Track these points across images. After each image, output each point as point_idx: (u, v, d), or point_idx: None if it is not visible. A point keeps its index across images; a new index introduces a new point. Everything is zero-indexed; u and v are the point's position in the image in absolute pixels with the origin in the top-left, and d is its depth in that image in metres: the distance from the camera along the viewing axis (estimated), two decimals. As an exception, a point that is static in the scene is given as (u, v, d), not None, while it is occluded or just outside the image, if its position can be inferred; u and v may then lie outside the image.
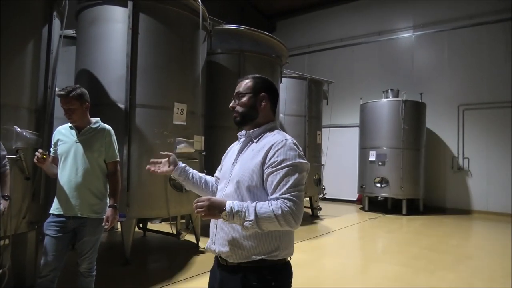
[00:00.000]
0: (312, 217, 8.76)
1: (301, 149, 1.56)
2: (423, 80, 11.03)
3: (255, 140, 1.62)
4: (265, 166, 1.50)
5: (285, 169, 1.46)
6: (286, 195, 1.42)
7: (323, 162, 9.16)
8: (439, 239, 6.71)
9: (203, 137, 5.01)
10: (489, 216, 9.62)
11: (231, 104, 1.69)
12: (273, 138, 1.57)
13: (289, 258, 1.59)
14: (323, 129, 9.31)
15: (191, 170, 1.89)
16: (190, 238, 5.36)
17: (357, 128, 10.98)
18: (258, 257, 1.48)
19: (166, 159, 1.84)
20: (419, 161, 9.86)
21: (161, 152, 1.91)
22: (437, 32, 10.96)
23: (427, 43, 11.19)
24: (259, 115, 1.66)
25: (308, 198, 8.94)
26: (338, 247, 6.11)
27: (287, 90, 8.11)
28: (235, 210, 1.40)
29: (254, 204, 1.43)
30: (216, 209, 1.41)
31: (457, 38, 10.62)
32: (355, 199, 11.68)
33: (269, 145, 1.53)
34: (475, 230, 8.31)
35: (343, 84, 11.94)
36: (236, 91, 1.70)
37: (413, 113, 9.84)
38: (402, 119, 9.63)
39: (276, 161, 1.48)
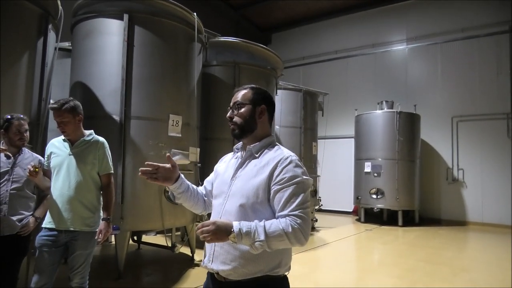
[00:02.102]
0: (308, 229, 8.70)
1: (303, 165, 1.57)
2: (417, 92, 11.15)
3: (256, 155, 1.59)
4: (272, 183, 1.48)
5: (292, 186, 1.45)
6: (295, 212, 1.41)
7: (318, 174, 9.16)
8: (435, 250, 6.68)
9: (198, 149, 5.00)
10: (484, 228, 9.62)
11: (228, 114, 1.64)
12: (277, 154, 1.55)
13: (287, 273, 1.57)
14: (318, 141, 9.34)
15: (187, 184, 1.77)
16: (185, 250, 5.30)
17: (352, 139, 11.03)
18: (259, 274, 1.46)
19: (167, 166, 1.64)
20: (414, 172, 9.90)
21: (168, 154, 1.69)
22: (430, 45, 11.13)
23: (420, 56, 11.34)
24: (258, 127, 1.62)
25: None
26: (334, 259, 6.07)
27: (283, 102, 8.15)
28: (244, 231, 1.36)
29: (262, 223, 1.39)
30: (223, 232, 1.35)
31: (450, 51, 10.78)
32: (351, 210, 11.66)
33: (274, 161, 1.52)
34: (471, 242, 8.30)
35: (338, 95, 12.03)
36: (233, 101, 1.65)
37: (408, 125, 9.91)
38: (397, 130, 9.70)
39: (284, 178, 1.47)
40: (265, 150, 1.60)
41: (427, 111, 10.72)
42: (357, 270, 5.54)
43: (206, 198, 1.82)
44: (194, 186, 1.81)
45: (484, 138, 10.10)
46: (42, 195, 2.85)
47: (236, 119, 1.61)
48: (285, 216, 1.42)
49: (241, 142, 1.69)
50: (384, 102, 10.49)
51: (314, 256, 6.07)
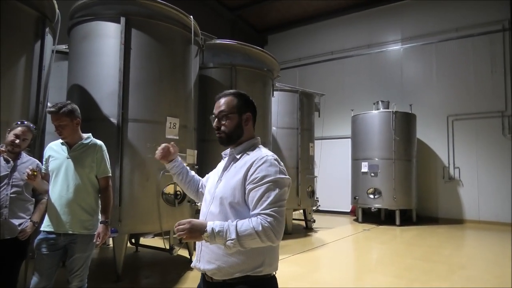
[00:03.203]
0: (306, 230, 8.74)
1: (282, 164, 1.58)
2: (413, 92, 11.22)
3: (237, 157, 1.64)
4: (247, 183, 1.51)
5: (266, 185, 1.47)
6: (267, 211, 1.43)
7: (316, 174, 9.19)
8: (432, 249, 6.72)
9: (195, 151, 5.01)
10: (481, 225, 9.69)
11: (214, 124, 1.67)
12: (254, 154, 1.58)
13: (274, 273, 1.59)
14: (315, 141, 9.36)
15: (182, 165, 1.98)
16: (183, 253, 5.30)
17: (349, 140, 11.06)
18: (242, 274, 1.49)
19: (171, 149, 1.94)
20: (410, 171, 9.95)
21: (172, 143, 2.00)
22: (424, 45, 11.21)
23: (415, 56, 11.42)
24: (244, 134, 1.67)
25: (302, 211, 8.94)
26: (332, 260, 6.09)
27: (279, 103, 8.17)
28: (216, 231, 1.40)
29: (234, 222, 1.43)
30: (197, 231, 1.41)
31: (445, 50, 10.86)
32: (348, 211, 11.69)
33: (250, 161, 1.55)
34: (468, 240, 8.35)
35: (334, 96, 12.08)
36: (218, 109, 1.67)
37: (404, 124, 9.97)
38: (393, 130, 9.75)
39: (257, 177, 1.49)
40: (247, 152, 1.64)
41: (423, 110, 10.78)
42: (356, 270, 5.57)
43: (200, 189, 1.93)
44: (192, 174, 1.99)
45: (479, 136, 10.18)
46: (37, 198, 2.86)
47: (223, 128, 1.64)
48: (256, 215, 1.44)
49: (228, 149, 1.74)
50: (380, 102, 10.55)
51: (312, 257, 6.09)
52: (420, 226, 9.56)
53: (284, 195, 1.49)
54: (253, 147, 1.65)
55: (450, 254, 6.37)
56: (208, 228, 1.41)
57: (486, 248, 7.10)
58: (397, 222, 9.54)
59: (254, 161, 1.53)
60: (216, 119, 1.67)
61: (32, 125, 2.83)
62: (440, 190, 10.67)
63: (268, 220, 1.41)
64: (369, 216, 10.33)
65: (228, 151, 1.74)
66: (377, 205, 9.78)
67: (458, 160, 10.47)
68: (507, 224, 9.36)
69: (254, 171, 1.50)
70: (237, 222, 1.43)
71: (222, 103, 1.67)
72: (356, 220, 10.41)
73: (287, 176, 1.54)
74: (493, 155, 9.92)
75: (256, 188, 1.48)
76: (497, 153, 9.86)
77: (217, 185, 1.64)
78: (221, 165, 1.80)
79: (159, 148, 1.92)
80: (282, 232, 1.46)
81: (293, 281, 4.54)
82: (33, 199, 2.82)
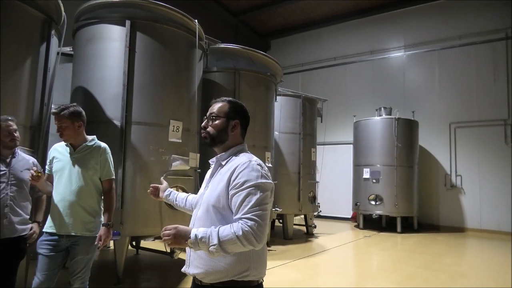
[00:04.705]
0: (307, 235, 8.71)
1: (266, 169, 1.59)
2: (415, 99, 11.22)
3: (223, 163, 1.66)
4: (230, 188, 1.54)
5: (247, 189, 1.49)
6: (248, 215, 1.45)
7: (317, 180, 9.18)
8: (434, 257, 6.69)
9: (198, 155, 5.02)
10: (483, 234, 9.63)
11: (203, 124, 1.73)
12: (238, 160, 1.60)
13: (261, 280, 1.61)
14: (317, 147, 9.36)
15: (175, 195, 2.17)
16: (184, 256, 5.29)
17: (351, 146, 11.06)
18: (228, 278, 1.51)
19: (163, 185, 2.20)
20: (412, 178, 9.93)
21: (161, 178, 2.32)
22: (427, 52, 11.23)
23: (418, 62, 11.44)
24: (229, 139, 1.70)
25: (303, 216, 8.92)
26: (333, 266, 6.06)
27: (282, 108, 8.19)
28: (199, 237, 1.43)
29: (217, 228, 1.45)
30: (182, 237, 1.44)
31: (447, 57, 10.88)
32: (349, 217, 11.66)
33: (233, 167, 1.57)
34: (469, 248, 8.30)
35: (337, 102, 12.10)
36: (210, 111, 1.73)
37: (406, 131, 9.96)
38: (395, 136, 9.74)
39: (238, 182, 1.51)
40: (232, 158, 1.66)
41: (425, 117, 10.78)
42: (356, 277, 5.53)
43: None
44: (184, 197, 2.13)
45: (481, 144, 10.16)
46: (36, 196, 2.85)
47: (209, 129, 1.70)
48: (238, 219, 1.46)
49: (215, 156, 1.76)
50: (382, 109, 10.55)
51: (313, 263, 6.06)
52: (421, 233, 9.52)
53: (265, 199, 1.50)
54: (238, 153, 1.68)
55: (452, 263, 6.34)
56: (192, 235, 1.43)
57: (488, 257, 7.06)
58: (398, 229, 9.51)
59: (237, 166, 1.56)
60: (206, 120, 1.73)
61: (8, 116, 2.69)
62: (441, 197, 10.64)
63: (249, 224, 1.43)
64: (370, 223, 10.30)
65: (215, 158, 1.77)
66: (379, 212, 9.75)
67: (460, 168, 10.45)
68: (509, 233, 9.31)
69: (236, 176, 1.53)
70: (219, 228, 1.45)
71: (214, 107, 1.74)
72: (357, 226, 10.38)
73: (269, 181, 1.56)
74: (495, 163, 9.89)
75: (238, 193, 1.50)
76: (499, 161, 9.83)
77: (204, 191, 1.69)
78: (209, 172, 1.83)
79: (149, 190, 2.23)
80: (264, 236, 1.47)
81: (294, 286, 4.52)
82: (30, 198, 2.81)
